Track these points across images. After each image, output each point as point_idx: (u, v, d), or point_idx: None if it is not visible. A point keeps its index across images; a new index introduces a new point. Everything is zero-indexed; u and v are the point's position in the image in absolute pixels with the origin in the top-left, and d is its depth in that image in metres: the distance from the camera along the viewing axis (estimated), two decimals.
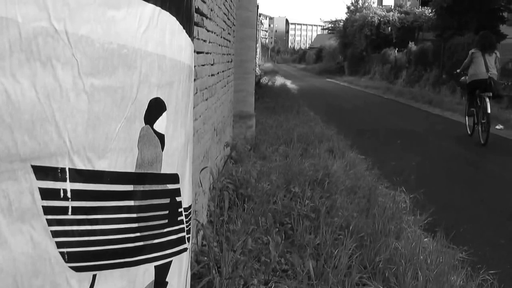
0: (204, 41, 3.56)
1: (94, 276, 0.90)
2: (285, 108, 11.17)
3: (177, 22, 1.06)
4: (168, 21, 1.02)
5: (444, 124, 11.22)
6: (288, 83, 25.18)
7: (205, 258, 2.95)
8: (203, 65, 3.52)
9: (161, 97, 1.01)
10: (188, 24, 1.14)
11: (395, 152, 7.84)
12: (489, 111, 8.14)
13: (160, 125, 1.01)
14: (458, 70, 9.37)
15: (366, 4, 36.02)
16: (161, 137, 1.02)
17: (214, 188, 3.98)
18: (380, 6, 36.32)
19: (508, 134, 9.86)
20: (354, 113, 13.53)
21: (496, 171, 6.76)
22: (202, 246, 3.19)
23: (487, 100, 8.23)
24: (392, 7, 33.64)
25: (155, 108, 0.99)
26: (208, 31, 3.71)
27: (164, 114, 1.03)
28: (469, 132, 9.15)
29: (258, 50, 28.27)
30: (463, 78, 9.05)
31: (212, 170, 4.05)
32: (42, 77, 0.77)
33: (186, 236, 1.17)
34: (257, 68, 18.21)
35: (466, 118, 9.27)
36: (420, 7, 29.53)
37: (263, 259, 3.10)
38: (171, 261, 1.09)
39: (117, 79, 0.88)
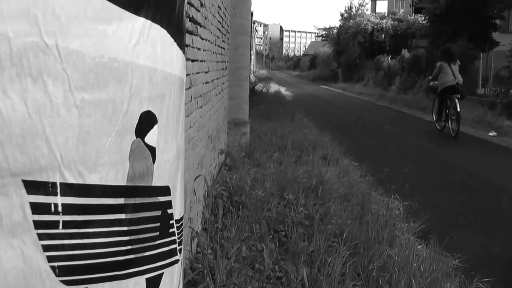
0: (199, 49, 3.57)
1: None
2: (279, 115, 11.19)
3: (168, 35, 1.07)
4: (159, 34, 1.03)
5: (436, 131, 11.25)
6: (283, 90, 25.22)
7: (200, 265, 2.95)
8: (197, 73, 3.53)
9: (152, 110, 1.01)
10: (179, 36, 1.14)
11: (388, 159, 7.87)
12: (458, 109, 9.90)
13: (151, 138, 1.01)
14: (430, 77, 11.34)
15: (360, 11, 36.23)
16: (152, 150, 1.02)
17: (208, 195, 3.98)
18: (374, 14, 36.51)
19: (501, 141, 9.91)
20: (348, 120, 13.56)
21: (488, 177, 6.79)
22: (196, 253, 3.18)
23: (457, 101, 10.04)
24: (386, 15, 33.82)
25: (146, 121, 0.99)
26: (202, 39, 3.72)
27: (155, 127, 1.03)
28: (438, 128, 10.85)
29: (253, 57, 28.33)
30: (431, 83, 11.04)
31: (207, 177, 4.05)
32: (33, 92, 0.77)
33: (178, 247, 1.17)
34: (252, 75, 18.25)
35: (434, 116, 11.12)
36: (413, 14, 29.71)
37: (257, 267, 3.10)
38: (162, 273, 1.09)
39: (108, 93, 0.89)
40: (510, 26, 23.82)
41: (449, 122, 10.24)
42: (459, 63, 10.62)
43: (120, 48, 0.91)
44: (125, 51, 0.92)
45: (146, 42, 0.97)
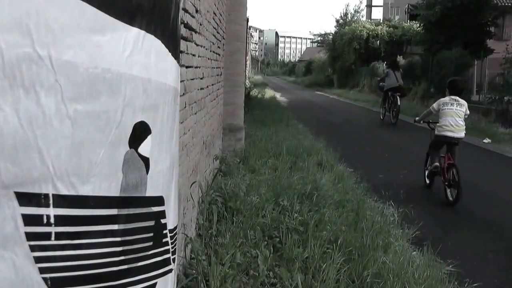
0: (193, 55, 3.57)
1: None
2: (274, 121, 11.20)
3: (162, 45, 1.06)
4: (153, 44, 1.02)
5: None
6: (278, 95, 25.24)
7: (194, 271, 2.94)
8: (192, 79, 3.53)
9: (145, 121, 1.01)
10: (173, 45, 1.14)
11: (383, 165, 7.89)
12: (399, 103, 13.84)
13: (144, 148, 1.01)
14: (379, 79, 16.37)
15: (355, 17, 36.35)
16: (146, 160, 1.02)
17: (203, 201, 3.97)
18: (369, 20, 36.66)
19: (495, 148, 9.95)
20: (343, 126, 13.59)
21: (486, 186, 6.81)
22: (190, 259, 3.17)
23: (398, 97, 13.95)
24: (381, 21, 33.95)
25: (140, 132, 0.99)
26: (197, 45, 3.72)
27: (149, 137, 1.03)
28: (381, 118, 14.94)
29: (248, 62, 28.35)
30: (380, 84, 15.33)
31: (201, 183, 4.04)
32: (25, 104, 0.77)
33: (172, 257, 1.17)
34: (247, 81, 18.25)
35: (381, 109, 15.26)
36: (408, 21, 29.84)
37: (252, 273, 3.09)
38: (155, 283, 1.09)
39: (101, 104, 0.88)
40: (504, 34, 24.00)
41: (391, 112, 14.17)
42: (401, 71, 15.01)
43: (114, 58, 0.91)
44: (119, 62, 0.92)
45: (140, 52, 0.97)
